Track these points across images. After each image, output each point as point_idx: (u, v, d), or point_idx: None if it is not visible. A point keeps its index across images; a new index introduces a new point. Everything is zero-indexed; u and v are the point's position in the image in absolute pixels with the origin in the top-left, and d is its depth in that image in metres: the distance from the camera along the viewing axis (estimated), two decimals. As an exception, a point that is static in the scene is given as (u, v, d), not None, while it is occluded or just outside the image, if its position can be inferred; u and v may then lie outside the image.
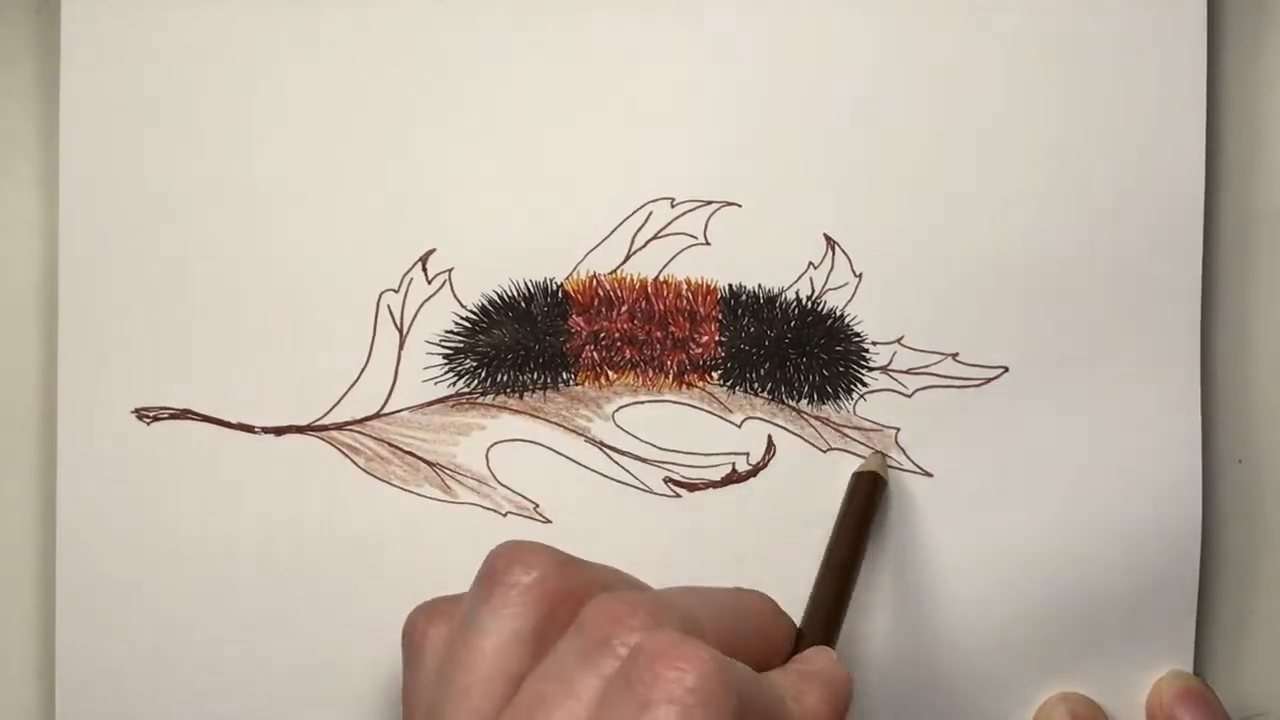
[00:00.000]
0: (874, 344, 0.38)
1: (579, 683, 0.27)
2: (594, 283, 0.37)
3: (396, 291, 0.37)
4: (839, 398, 0.38)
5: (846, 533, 0.36)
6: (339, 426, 0.37)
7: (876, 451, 0.37)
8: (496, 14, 0.37)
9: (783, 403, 0.38)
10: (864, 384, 0.38)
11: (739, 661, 0.28)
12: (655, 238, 0.37)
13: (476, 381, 0.38)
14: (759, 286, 0.37)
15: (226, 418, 0.37)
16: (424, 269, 0.37)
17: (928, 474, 0.38)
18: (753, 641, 0.30)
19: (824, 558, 0.35)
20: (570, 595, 0.29)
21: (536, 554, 0.30)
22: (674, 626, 0.28)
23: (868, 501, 0.36)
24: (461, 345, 0.38)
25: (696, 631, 0.28)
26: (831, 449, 0.38)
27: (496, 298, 0.37)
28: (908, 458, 0.38)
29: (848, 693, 0.30)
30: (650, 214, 0.37)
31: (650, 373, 0.38)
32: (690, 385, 0.38)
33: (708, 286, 0.37)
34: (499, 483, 0.37)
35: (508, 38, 0.37)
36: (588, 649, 0.28)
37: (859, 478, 0.37)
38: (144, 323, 0.37)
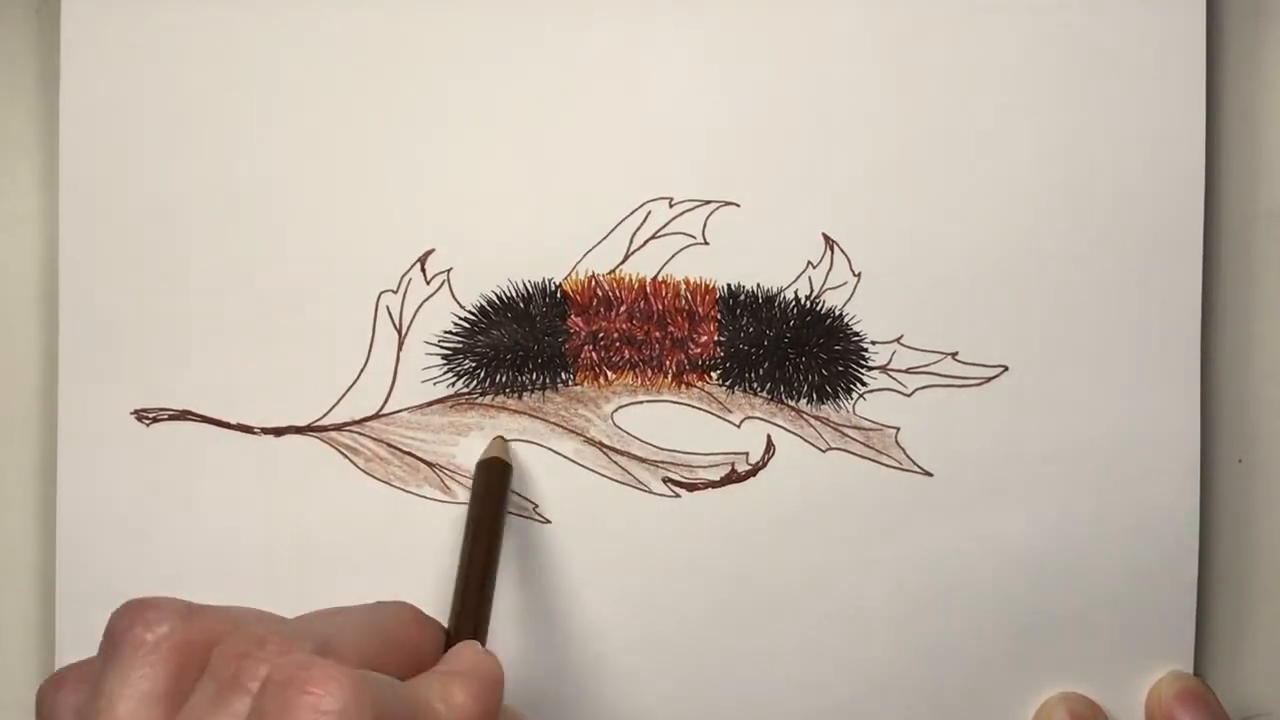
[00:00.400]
0: (873, 343, 0.38)
1: None
2: (593, 283, 0.37)
3: (395, 292, 0.37)
4: (838, 397, 0.38)
5: (481, 525, 0.35)
6: (338, 427, 0.37)
7: (497, 437, 0.37)
8: (496, 14, 0.37)
9: (782, 402, 0.38)
10: (863, 383, 0.38)
11: (382, 675, 0.27)
12: (654, 238, 0.37)
13: (475, 382, 0.38)
14: (758, 286, 0.37)
15: (226, 418, 0.37)
16: (423, 269, 0.37)
17: (927, 473, 0.37)
18: (397, 652, 0.29)
19: (461, 553, 0.34)
20: (200, 644, 0.28)
21: (158, 608, 0.28)
22: (306, 651, 0.27)
23: (496, 490, 0.36)
24: (460, 345, 0.38)
25: (332, 652, 0.27)
26: (831, 449, 0.38)
27: (495, 298, 0.37)
28: (907, 457, 0.38)
29: (496, 681, 0.30)
30: (649, 214, 0.37)
31: (649, 373, 0.38)
32: (689, 385, 0.38)
33: (706, 286, 0.37)
34: (498, 483, 0.38)
35: (507, 38, 0.37)
36: (220, 692, 0.27)
37: (483, 467, 0.36)
38: (144, 323, 0.37)
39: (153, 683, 0.28)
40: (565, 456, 0.38)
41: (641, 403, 0.38)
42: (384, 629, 0.30)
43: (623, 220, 0.37)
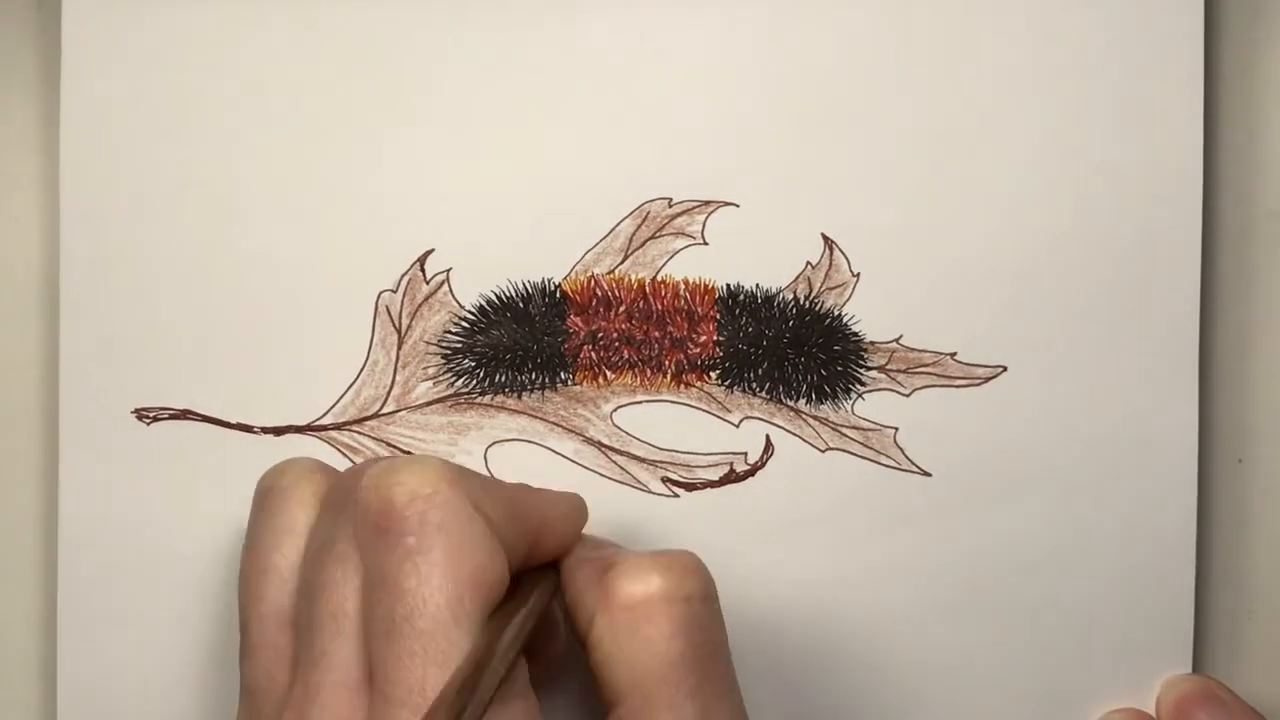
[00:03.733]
0: (872, 343, 0.38)
1: (338, 538, 0.30)
2: (592, 283, 0.37)
3: (395, 292, 0.37)
4: (837, 397, 0.38)
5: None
6: (338, 426, 0.37)
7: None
8: (495, 14, 0.37)
9: (781, 402, 0.38)
10: (862, 383, 0.38)
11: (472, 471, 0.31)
12: (653, 238, 0.37)
13: (475, 381, 0.38)
14: (757, 286, 0.37)
15: (226, 418, 0.37)
16: (422, 269, 0.37)
17: (926, 473, 0.38)
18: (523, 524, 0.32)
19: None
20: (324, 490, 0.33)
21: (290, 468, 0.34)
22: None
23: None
24: (460, 345, 0.38)
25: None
26: (830, 449, 0.38)
27: (495, 298, 0.37)
28: (906, 457, 0.38)
29: (584, 506, 0.34)
30: (648, 214, 0.37)
31: (648, 372, 0.38)
32: (688, 385, 0.38)
33: (706, 286, 0.37)
34: (497, 482, 0.38)
35: (506, 38, 0.37)
36: (336, 513, 0.31)
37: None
38: (144, 323, 0.37)
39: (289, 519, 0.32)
40: (564, 456, 0.38)
41: (640, 402, 0.38)
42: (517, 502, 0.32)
43: (622, 220, 0.37)
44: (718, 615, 0.31)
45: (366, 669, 0.29)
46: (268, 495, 0.33)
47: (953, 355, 0.37)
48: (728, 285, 0.37)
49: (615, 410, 0.38)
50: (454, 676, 0.28)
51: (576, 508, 0.34)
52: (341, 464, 0.37)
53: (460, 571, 0.28)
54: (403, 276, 0.37)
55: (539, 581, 0.32)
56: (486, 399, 0.38)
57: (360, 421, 0.38)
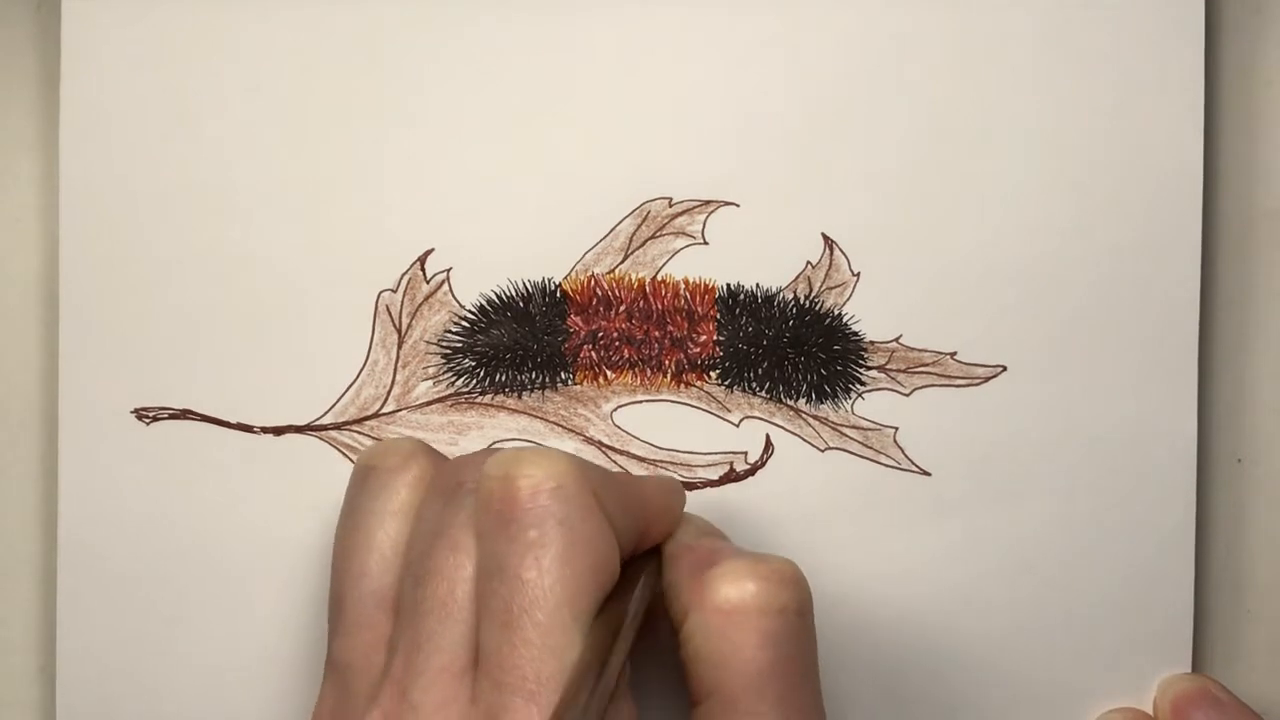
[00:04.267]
0: (872, 343, 0.38)
1: (451, 525, 0.30)
2: (592, 282, 0.37)
3: (395, 291, 0.37)
4: (837, 397, 0.38)
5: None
6: (338, 426, 0.37)
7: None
8: (494, 13, 0.37)
9: (781, 402, 0.38)
10: (862, 383, 0.38)
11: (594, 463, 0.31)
12: (653, 237, 0.37)
13: (475, 381, 0.38)
14: (757, 286, 0.37)
15: (226, 418, 0.37)
16: (422, 269, 0.37)
17: (925, 473, 0.38)
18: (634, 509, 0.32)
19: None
20: (426, 475, 0.33)
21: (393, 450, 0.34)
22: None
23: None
24: (460, 345, 0.38)
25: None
26: (830, 448, 0.38)
27: (495, 297, 0.37)
28: (905, 456, 0.38)
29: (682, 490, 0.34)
30: (648, 213, 0.37)
31: (648, 372, 0.38)
32: (688, 384, 0.38)
33: (706, 286, 0.38)
34: (497, 482, 0.38)
35: (506, 37, 0.37)
36: (447, 498, 0.31)
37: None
38: (144, 323, 0.37)
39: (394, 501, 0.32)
40: (565, 456, 0.38)
41: (641, 402, 0.38)
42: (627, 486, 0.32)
43: (622, 220, 0.37)
44: (810, 629, 0.32)
45: (473, 656, 0.29)
46: (371, 475, 0.33)
47: (953, 355, 0.37)
48: (728, 285, 0.37)
49: (615, 410, 0.38)
50: (574, 675, 0.28)
51: (677, 495, 0.34)
52: (341, 463, 0.37)
53: (580, 566, 0.29)
54: (403, 276, 0.37)
55: (643, 570, 0.32)
56: (487, 399, 0.38)
57: (360, 421, 0.38)
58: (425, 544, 0.31)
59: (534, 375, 0.38)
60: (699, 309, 0.37)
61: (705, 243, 0.37)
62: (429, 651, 0.29)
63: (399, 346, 0.38)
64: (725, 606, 0.31)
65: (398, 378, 0.38)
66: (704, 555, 0.32)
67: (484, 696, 0.28)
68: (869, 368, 0.38)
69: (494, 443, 0.38)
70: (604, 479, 0.31)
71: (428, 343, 0.38)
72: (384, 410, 0.38)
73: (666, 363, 0.38)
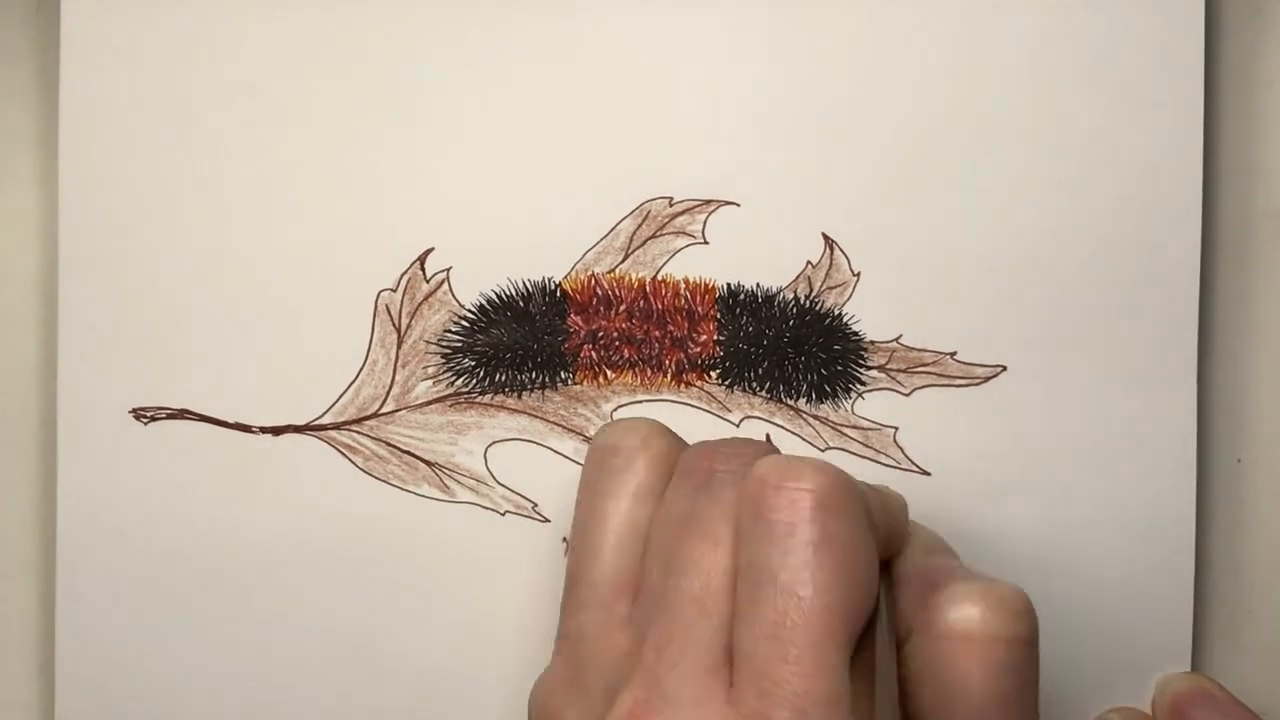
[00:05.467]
0: (872, 343, 0.38)
1: (705, 516, 0.30)
2: (592, 282, 0.37)
3: (394, 291, 0.37)
4: (837, 397, 0.38)
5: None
6: (337, 426, 0.37)
7: None
8: (494, 12, 0.37)
9: (781, 402, 0.38)
10: (862, 383, 0.38)
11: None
12: (653, 237, 0.37)
13: (475, 381, 0.38)
14: (757, 285, 0.37)
15: (224, 417, 0.37)
16: (422, 268, 0.37)
17: (925, 473, 0.38)
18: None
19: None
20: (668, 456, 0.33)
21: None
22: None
23: None
24: (460, 345, 0.38)
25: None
26: (829, 448, 0.38)
27: (495, 297, 0.37)
28: (905, 456, 0.38)
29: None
30: (648, 213, 0.37)
31: (648, 372, 0.38)
32: (688, 384, 0.38)
33: (706, 285, 0.38)
34: (497, 482, 0.38)
35: (505, 36, 0.37)
36: (695, 484, 0.30)
37: None
38: (143, 322, 0.37)
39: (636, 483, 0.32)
40: (565, 456, 0.38)
41: (641, 402, 0.38)
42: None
43: (623, 219, 0.37)
44: (1035, 660, 0.31)
45: (726, 654, 0.28)
46: (613, 453, 0.33)
47: (952, 355, 0.37)
48: (728, 284, 0.37)
49: (616, 410, 0.38)
50: (847, 699, 0.28)
51: (905, 511, 0.34)
52: (340, 463, 0.37)
53: (852, 583, 0.28)
54: (402, 275, 0.37)
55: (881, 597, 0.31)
56: (486, 398, 0.38)
57: (359, 421, 0.38)
58: (673, 530, 0.30)
59: (534, 375, 0.38)
60: (699, 309, 0.37)
61: (705, 242, 0.37)
62: (685, 644, 0.29)
63: (398, 346, 0.38)
64: (951, 633, 0.30)
65: (397, 377, 0.38)
66: (933, 576, 0.32)
67: (745, 702, 0.27)
68: (869, 367, 0.38)
69: (492, 443, 0.38)
70: (870, 497, 0.30)
71: (427, 342, 0.38)
72: (383, 410, 0.38)
73: (667, 362, 0.38)
